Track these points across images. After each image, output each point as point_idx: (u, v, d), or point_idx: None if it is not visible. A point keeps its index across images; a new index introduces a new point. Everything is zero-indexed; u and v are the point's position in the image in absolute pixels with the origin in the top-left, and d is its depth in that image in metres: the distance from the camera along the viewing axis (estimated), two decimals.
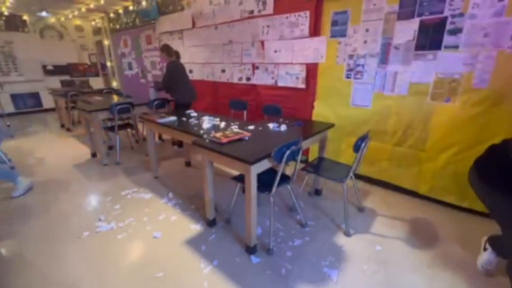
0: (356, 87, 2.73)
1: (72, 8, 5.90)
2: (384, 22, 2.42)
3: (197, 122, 2.58)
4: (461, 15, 2.03)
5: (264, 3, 3.28)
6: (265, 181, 1.81)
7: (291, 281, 1.61)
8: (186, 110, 3.17)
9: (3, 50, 6.35)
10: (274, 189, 1.78)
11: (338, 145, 2.98)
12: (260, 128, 2.30)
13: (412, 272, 1.68)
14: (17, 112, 6.79)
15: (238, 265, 1.75)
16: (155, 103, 3.68)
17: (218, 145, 1.81)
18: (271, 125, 2.36)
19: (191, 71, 4.60)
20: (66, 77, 7.37)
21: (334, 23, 2.75)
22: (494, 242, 1.67)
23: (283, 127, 2.29)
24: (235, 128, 2.27)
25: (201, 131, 2.25)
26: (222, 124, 2.46)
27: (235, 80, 3.96)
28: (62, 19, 6.95)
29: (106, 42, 7.09)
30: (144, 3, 5.02)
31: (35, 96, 7.03)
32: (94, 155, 3.74)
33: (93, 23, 7.39)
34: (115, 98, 4.36)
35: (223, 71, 4.11)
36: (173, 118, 2.71)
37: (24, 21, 6.55)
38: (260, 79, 3.63)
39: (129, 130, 3.96)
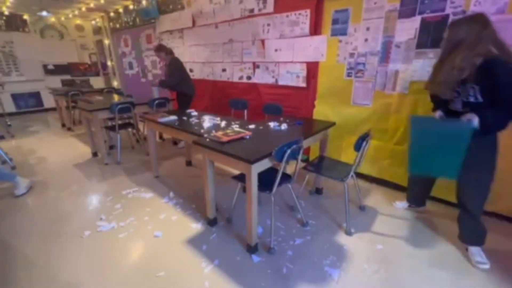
0: (357, 86, 2.73)
1: (72, 7, 5.90)
2: (385, 21, 2.41)
3: (197, 122, 2.58)
4: (463, 12, 2.02)
5: (265, 2, 3.27)
6: (266, 180, 1.81)
7: (292, 280, 1.61)
8: (190, 103, 3.68)
9: (4, 50, 6.36)
10: (275, 188, 1.78)
11: (339, 144, 2.97)
12: (261, 127, 2.29)
13: (413, 271, 1.68)
14: (18, 111, 6.81)
15: (239, 264, 1.75)
16: (156, 102, 3.68)
17: (219, 144, 1.81)
18: (271, 124, 2.35)
19: (191, 70, 4.60)
20: (67, 77, 7.38)
21: (335, 21, 2.74)
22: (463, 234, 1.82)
23: (284, 126, 2.28)
24: (235, 127, 2.27)
25: (202, 131, 2.25)
26: (223, 123, 2.45)
27: (236, 79, 3.96)
28: (63, 18, 6.96)
29: (106, 42, 7.09)
30: (144, 2, 5.01)
31: (36, 95, 7.04)
32: (95, 154, 3.75)
33: (93, 22, 7.39)
34: (116, 98, 4.36)
35: (224, 70, 4.10)
36: (173, 117, 2.71)
37: (25, 21, 6.56)
38: (261, 78, 3.62)
39: (130, 129, 3.96)
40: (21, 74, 6.68)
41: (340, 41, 2.74)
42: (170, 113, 2.98)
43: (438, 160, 1.63)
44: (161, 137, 4.61)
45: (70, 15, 6.62)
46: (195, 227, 2.14)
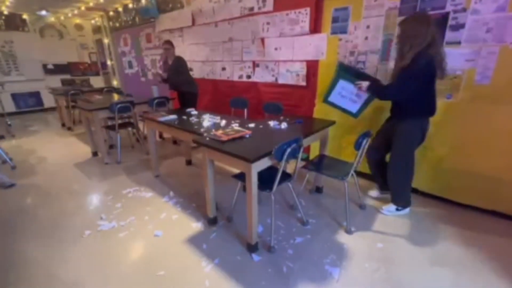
0: None
1: (72, 6, 5.89)
2: (385, 18, 2.40)
3: (197, 121, 2.57)
4: (464, 10, 2.01)
5: (264, 0, 3.25)
6: (266, 179, 1.80)
7: (292, 279, 1.61)
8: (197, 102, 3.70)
9: (3, 49, 6.36)
10: (275, 187, 1.78)
11: (339, 142, 2.97)
12: (261, 126, 2.29)
13: (413, 269, 1.68)
14: (18, 111, 6.81)
15: (240, 263, 1.75)
16: (156, 101, 3.68)
17: (219, 143, 1.81)
18: (271, 123, 2.35)
19: (191, 69, 4.59)
20: (67, 76, 7.38)
21: (335, 19, 2.73)
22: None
23: (284, 125, 2.28)
24: (235, 126, 2.27)
25: (202, 129, 2.24)
26: (223, 122, 2.45)
27: (236, 78, 3.95)
28: (62, 18, 6.94)
29: (106, 41, 7.08)
30: (143, 1, 5.00)
31: (36, 95, 7.04)
32: (95, 154, 3.75)
33: (92, 21, 7.38)
34: (116, 97, 4.36)
35: (224, 69, 4.09)
36: (173, 116, 2.71)
37: (24, 20, 6.55)
38: (261, 76, 3.62)
39: (129, 129, 3.96)
40: (21, 74, 6.67)
41: (340, 39, 2.73)
42: (170, 112, 2.97)
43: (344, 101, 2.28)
44: (161, 136, 4.61)
45: (70, 14, 6.61)
46: (196, 226, 2.14)
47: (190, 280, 1.62)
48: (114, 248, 1.91)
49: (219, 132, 1.99)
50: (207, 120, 2.53)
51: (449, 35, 2.10)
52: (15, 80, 6.61)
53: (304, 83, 3.16)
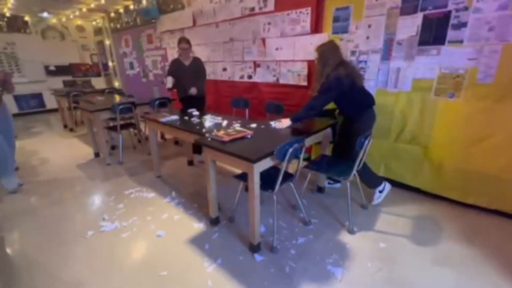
0: None
1: (73, 8, 5.91)
2: (386, 18, 2.39)
3: (199, 121, 2.57)
4: (466, 9, 2.00)
5: (265, 0, 3.25)
6: (268, 179, 1.80)
7: (295, 279, 1.60)
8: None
9: (6, 51, 6.39)
10: (277, 187, 1.77)
11: None
12: (262, 126, 2.29)
13: (416, 269, 1.67)
14: (20, 113, 6.84)
15: (242, 263, 1.75)
16: (157, 102, 3.68)
17: (221, 144, 1.81)
18: (273, 123, 2.35)
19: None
20: (68, 78, 7.41)
21: (336, 19, 2.72)
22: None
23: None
24: (237, 126, 2.27)
25: (203, 130, 2.24)
26: (224, 123, 2.45)
27: (237, 78, 3.95)
28: (63, 19, 6.97)
29: (107, 42, 7.10)
30: (144, 2, 5.01)
31: (38, 96, 7.07)
32: (97, 155, 3.76)
33: (94, 23, 7.40)
34: (117, 98, 4.37)
35: (225, 69, 4.10)
36: (175, 117, 2.71)
37: (26, 22, 6.58)
38: (262, 77, 3.62)
39: (131, 129, 3.97)
40: (23, 76, 6.70)
41: (342, 39, 2.73)
42: (171, 112, 2.98)
43: None
44: (162, 137, 4.61)
45: (71, 16, 6.63)
46: (198, 226, 2.15)
47: (192, 280, 1.62)
48: (116, 249, 1.92)
49: (221, 132, 1.99)
50: (209, 121, 2.53)
51: (451, 34, 2.09)
52: (17, 81, 6.61)
53: (305, 83, 3.15)
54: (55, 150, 4.14)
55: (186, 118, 2.71)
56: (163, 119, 2.61)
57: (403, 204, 2.40)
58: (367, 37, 2.55)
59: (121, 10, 5.93)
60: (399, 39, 2.36)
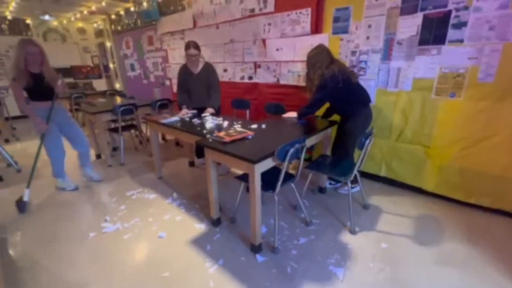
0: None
1: (74, 10, 5.94)
2: (386, 18, 2.39)
3: (200, 122, 2.58)
4: (466, 8, 2.00)
5: (265, 1, 3.26)
6: (269, 180, 1.80)
7: (296, 280, 1.60)
8: None
9: (8, 54, 6.43)
10: (278, 188, 1.78)
11: None
12: (263, 127, 2.29)
13: (418, 269, 1.67)
14: (22, 115, 6.85)
15: (244, 264, 1.75)
16: (158, 103, 3.69)
17: (222, 145, 1.81)
18: (274, 123, 2.35)
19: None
20: (70, 80, 7.42)
21: (336, 19, 2.73)
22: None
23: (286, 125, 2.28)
24: (238, 127, 2.27)
25: (204, 131, 2.25)
26: (225, 124, 2.45)
27: (237, 79, 3.96)
28: (65, 22, 7.01)
29: (108, 44, 7.12)
30: (145, 4, 5.03)
31: None
32: (98, 156, 3.77)
33: (95, 25, 7.43)
34: (118, 100, 4.38)
35: (225, 70, 4.10)
36: (176, 118, 2.72)
37: (28, 25, 6.62)
38: (262, 77, 3.62)
39: (132, 131, 3.98)
40: None
41: (342, 39, 2.73)
42: (172, 114, 2.98)
43: None
44: (163, 138, 4.62)
45: (72, 18, 6.67)
46: (199, 227, 2.15)
47: (194, 281, 1.62)
48: (118, 250, 1.92)
49: (222, 133, 1.99)
50: (210, 122, 2.53)
51: (451, 33, 2.09)
52: None
53: (305, 84, 3.15)
54: None
55: (187, 119, 2.70)
56: (164, 121, 2.62)
57: (404, 204, 2.40)
58: (367, 37, 2.55)
59: (122, 12, 5.96)
60: (399, 39, 2.36)
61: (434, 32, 2.17)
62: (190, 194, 2.70)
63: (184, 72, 2.92)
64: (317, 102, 2.34)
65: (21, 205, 2.46)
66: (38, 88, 2.42)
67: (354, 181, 2.41)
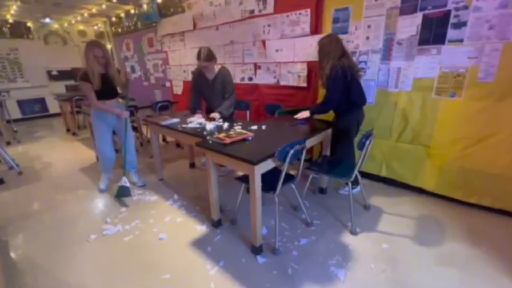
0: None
1: (75, 13, 5.96)
2: (386, 18, 2.39)
3: (200, 124, 2.58)
4: (465, 8, 2.00)
5: (265, 3, 3.27)
6: (269, 181, 1.80)
7: (297, 281, 1.60)
8: None
9: (9, 57, 6.46)
10: (278, 189, 1.77)
11: None
12: (263, 128, 2.29)
13: (419, 270, 1.66)
14: (23, 117, 6.90)
15: (244, 265, 1.74)
16: (159, 105, 3.70)
17: (222, 146, 1.81)
18: (274, 124, 2.35)
19: (193, 73, 4.61)
20: (71, 82, 7.45)
21: (336, 20, 2.73)
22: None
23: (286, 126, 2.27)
24: (238, 128, 2.27)
25: (205, 132, 2.25)
26: (225, 125, 2.46)
27: (237, 81, 3.96)
28: (65, 24, 7.04)
29: (109, 46, 7.14)
30: (145, 6, 5.05)
31: (41, 101, 7.13)
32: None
33: (95, 27, 7.46)
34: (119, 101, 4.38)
35: None
36: (176, 120, 2.72)
37: (29, 28, 6.65)
38: (262, 78, 3.62)
39: (133, 132, 3.98)
40: (26, 81, 6.77)
41: (342, 39, 2.72)
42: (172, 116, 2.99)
43: None
44: (164, 139, 4.63)
45: (73, 21, 6.69)
46: (200, 229, 2.15)
47: (195, 282, 1.62)
48: (119, 252, 1.92)
49: (222, 135, 1.99)
50: (210, 123, 2.53)
51: (451, 33, 2.09)
52: (20, 87, 6.71)
53: (305, 84, 3.16)
54: (58, 154, 4.17)
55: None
56: (165, 122, 2.62)
57: (405, 204, 2.39)
58: (367, 37, 2.55)
59: (122, 15, 5.98)
60: (399, 39, 2.36)
61: (434, 32, 2.17)
62: (191, 195, 2.70)
63: (198, 77, 2.84)
64: (332, 100, 2.29)
65: (125, 191, 2.59)
66: (104, 88, 2.56)
67: (355, 182, 2.38)
